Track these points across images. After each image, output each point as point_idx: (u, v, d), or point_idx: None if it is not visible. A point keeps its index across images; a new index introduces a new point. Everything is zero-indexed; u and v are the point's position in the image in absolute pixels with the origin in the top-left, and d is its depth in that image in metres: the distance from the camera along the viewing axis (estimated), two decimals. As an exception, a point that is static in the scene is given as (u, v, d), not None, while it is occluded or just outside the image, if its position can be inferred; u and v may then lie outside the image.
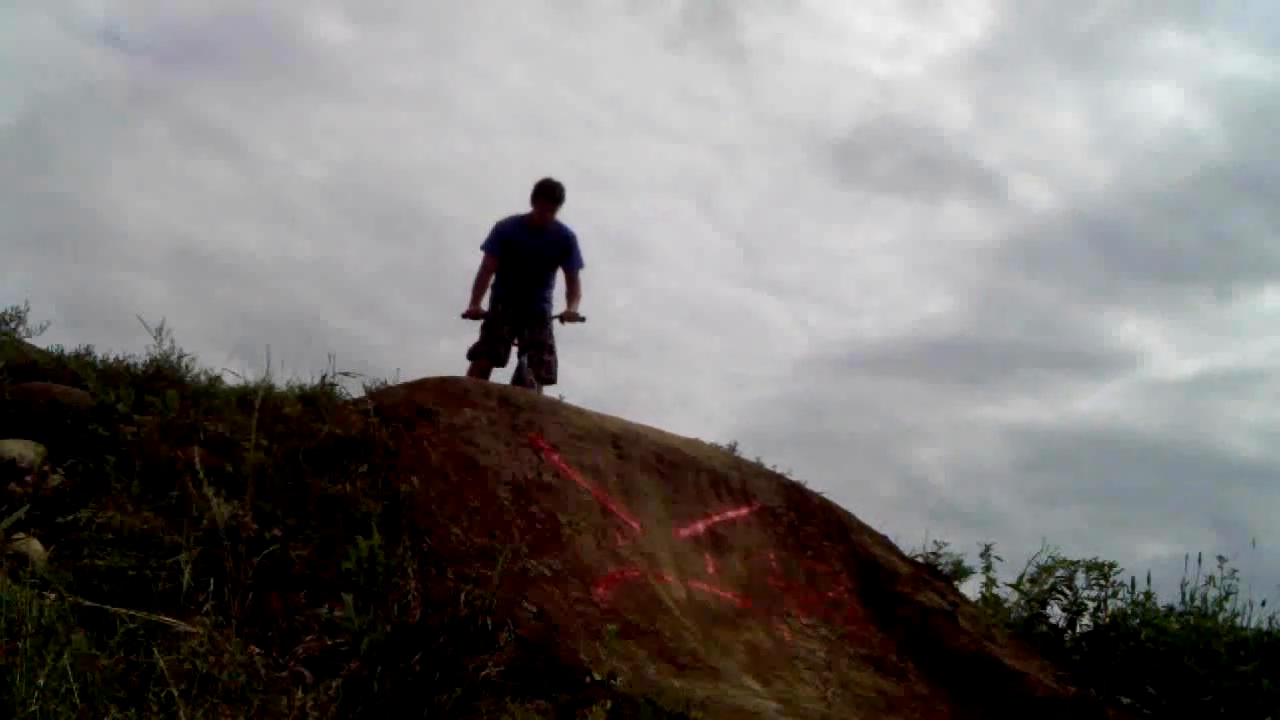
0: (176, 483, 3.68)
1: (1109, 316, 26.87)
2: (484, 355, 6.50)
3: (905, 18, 34.59)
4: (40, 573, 2.90)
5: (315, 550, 3.63)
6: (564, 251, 6.63)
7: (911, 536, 6.41)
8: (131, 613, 2.77)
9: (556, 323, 6.64)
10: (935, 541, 6.28)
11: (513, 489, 4.56)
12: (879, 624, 5.00)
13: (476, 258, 6.66)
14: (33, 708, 2.13)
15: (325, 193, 27.33)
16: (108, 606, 2.80)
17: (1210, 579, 5.44)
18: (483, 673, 2.87)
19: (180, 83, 28.36)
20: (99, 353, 5.36)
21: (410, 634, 2.86)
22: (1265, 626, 5.29)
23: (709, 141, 32.57)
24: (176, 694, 2.33)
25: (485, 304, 6.68)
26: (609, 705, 3.01)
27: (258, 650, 2.79)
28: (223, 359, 7.95)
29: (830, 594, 5.10)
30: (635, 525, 4.83)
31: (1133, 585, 5.50)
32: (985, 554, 5.89)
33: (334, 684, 2.73)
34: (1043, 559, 5.75)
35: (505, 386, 6.02)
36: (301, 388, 5.12)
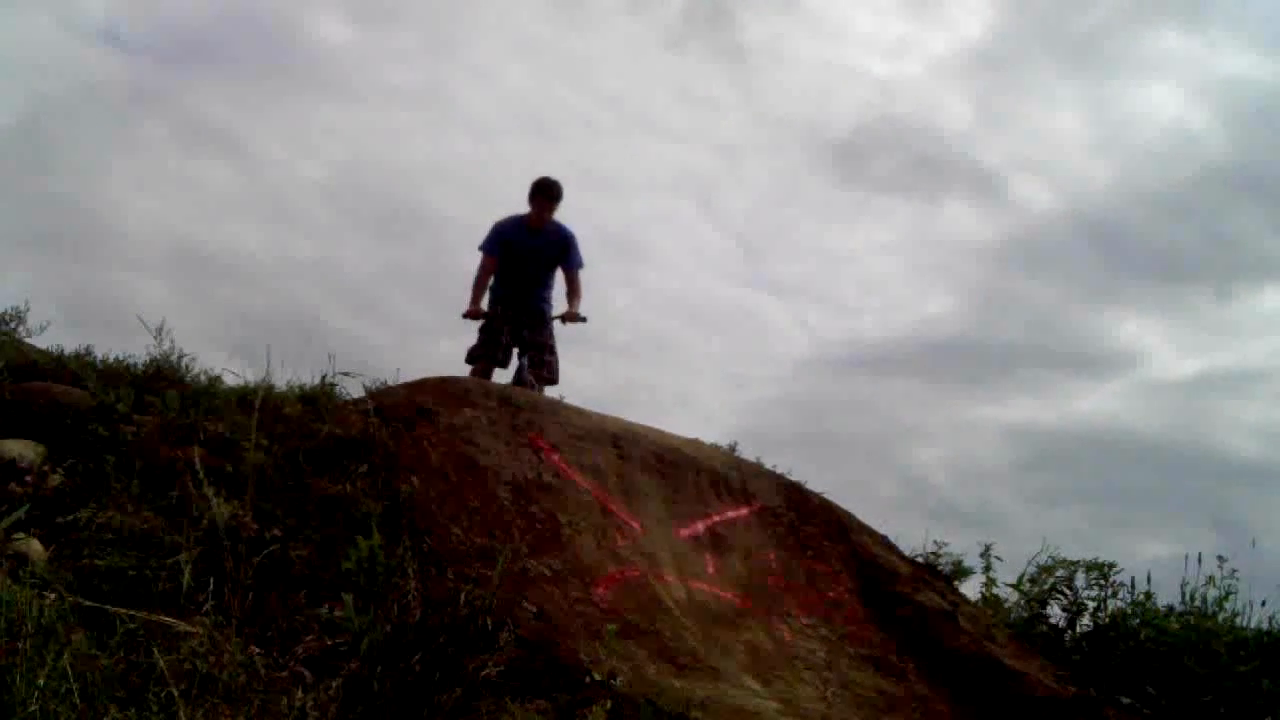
0: (176, 483, 3.68)
1: (1109, 316, 26.89)
2: (483, 358, 6.49)
3: (905, 18, 34.62)
4: (40, 573, 2.90)
5: (315, 550, 3.63)
6: (562, 251, 6.62)
7: (911, 536, 6.41)
8: (131, 613, 2.77)
9: (557, 323, 6.64)
10: (935, 541, 6.28)
11: (513, 489, 4.56)
12: (879, 624, 5.00)
13: (476, 258, 6.66)
14: (33, 708, 2.13)
15: (325, 193, 27.36)
16: (108, 606, 2.80)
17: (1210, 579, 5.45)
18: (483, 673, 2.87)
19: (180, 83, 28.39)
20: (99, 353, 5.38)
21: (410, 634, 2.86)
22: (1265, 626, 5.30)
23: (709, 141, 32.60)
24: (176, 694, 2.33)
25: (485, 304, 6.67)
26: (609, 705, 3.01)
27: (258, 650, 2.79)
28: (223, 359, 7.97)
29: (830, 594, 5.10)
30: (635, 525, 4.83)
31: (1133, 585, 5.50)
32: (985, 554, 5.90)
33: (334, 684, 2.73)
34: (1043, 559, 5.76)
35: (505, 386, 6.02)
36: (301, 388, 5.12)
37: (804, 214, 32.27)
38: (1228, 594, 5.40)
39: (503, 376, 6.51)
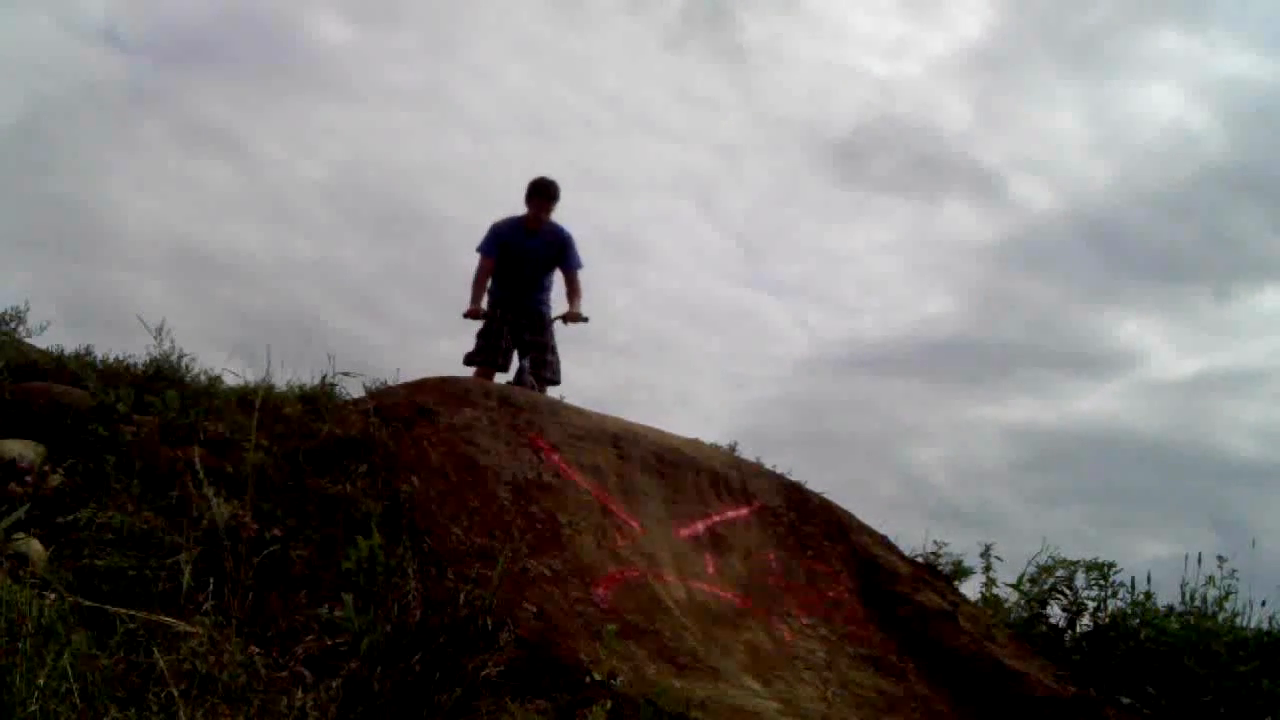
0: (176, 483, 3.68)
1: (1109, 316, 26.91)
2: (482, 361, 6.48)
3: (905, 18, 34.62)
4: (40, 573, 2.90)
5: (315, 550, 3.63)
6: (560, 253, 6.61)
7: (911, 536, 6.42)
8: (131, 613, 2.76)
9: (558, 323, 6.63)
10: (935, 541, 6.28)
11: (513, 489, 4.56)
12: (879, 624, 5.00)
13: (475, 258, 6.64)
14: (33, 708, 2.13)
15: (325, 193, 27.36)
16: (108, 606, 2.79)
17: (1210, 579, 5.44)
18: (483, 673, 2.86)
19: (180, 83, 28.38)
20: (99, 353, 5.37)
21: (410, 634, 2.86)
22: (1265, 626, 5.29)
23: (709, 141, 32.61)
24: (176, 694, 2.33)
25: (485, 304, 6.67)
26: (609, 705, 3.01)
27: (258, 650, 2.79)
28: (223, 359, 7.96)
29: (830, 594, 5.10)
30: (635, 525, 4.83)
31: (1133, 585, 5.50)
32: (985, 554, 5.90)
33: (334, 684, 2.73)
34: (1043, 559, 5.75)
35: (505, 386, 6.02)
36: (301, 388, 5.12)
37: (804, 214, 32.30)
38: (1228, 594, 5.40)
39: (503, 378, 6.51)
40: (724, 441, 6.69)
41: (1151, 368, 27.05)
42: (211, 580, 2.97)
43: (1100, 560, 5.60)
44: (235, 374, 4.76)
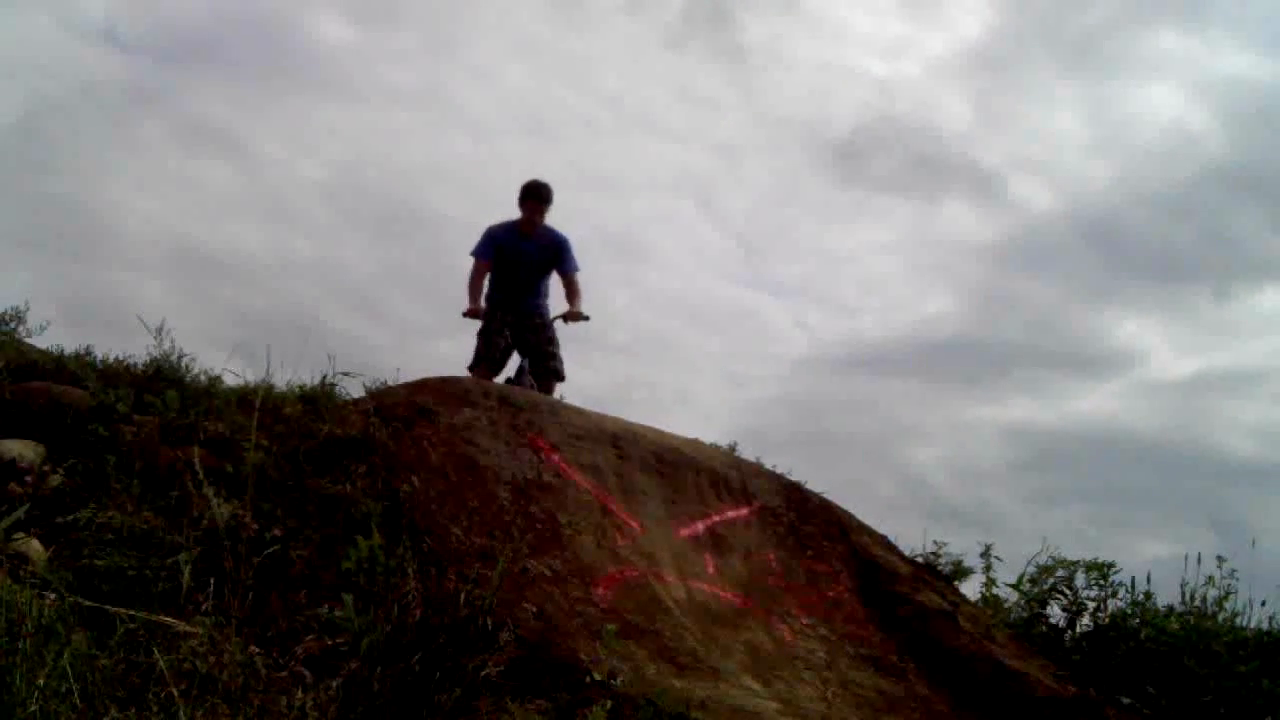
0: (176, 483, 3.68)
1: (1108, 316, 26.93)
2: (483, 362, 6.47)
3: (904, 18, 34.63)
4: (40, 573, 2.90)
5: (315, 550, 3.63)
6: (556, 256, 6.61)
7: (911, 536, 6.42)
8: (131, 613, 2.76)
9: (559, 322, 6.63)
10: (935, 541, 6.28)
11: (513, 489, 4.56)
12: (879, 624, 5.00)
13: (472, 262, 6.64)
14: (33, 708, 2.13)
15: (325, 193, 27.38)
16: (108, 606, 2.79)
17: (1210, 579, 5.44)
18: (483, 673, 2.86)
19: (180, 83, 28.40)
20: (99, 353, 5.37)
21: (410, 634, 2.85)
22: (1265, 626, 5.29)
23: (709, 141, 32.63)
24: (176, 694, 2.32)
25: (483, 304, 6.66)
26: (609, 705, 3.01)
27: (258, 650, 2.79)
28: (223, 359, 7.96)
29: (830, 594, 5.10)
30: (635, 525, 4.83)
31: (1133, 585, 5.50)
32: (985, 554, 5.89)
33: (334, 684, 2.73)
34: (1042, 559, 5.75)
35: (505, 386, 6.02)
36: (301, 388, 5.12)
37: (804, 214, 32.32)
38: (1227, 594, 5.40)
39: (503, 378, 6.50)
40: (724, 441, 6.70)
41: (1151, 368, 27.09)
42: (211, 580, 2.97)
43: (1100, 560, 5.60)
44: (235, 374, 4.76)
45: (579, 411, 5.75)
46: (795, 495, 5.87)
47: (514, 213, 6.63)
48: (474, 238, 6.70)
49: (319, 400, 4.98)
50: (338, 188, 27.30)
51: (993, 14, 33.29)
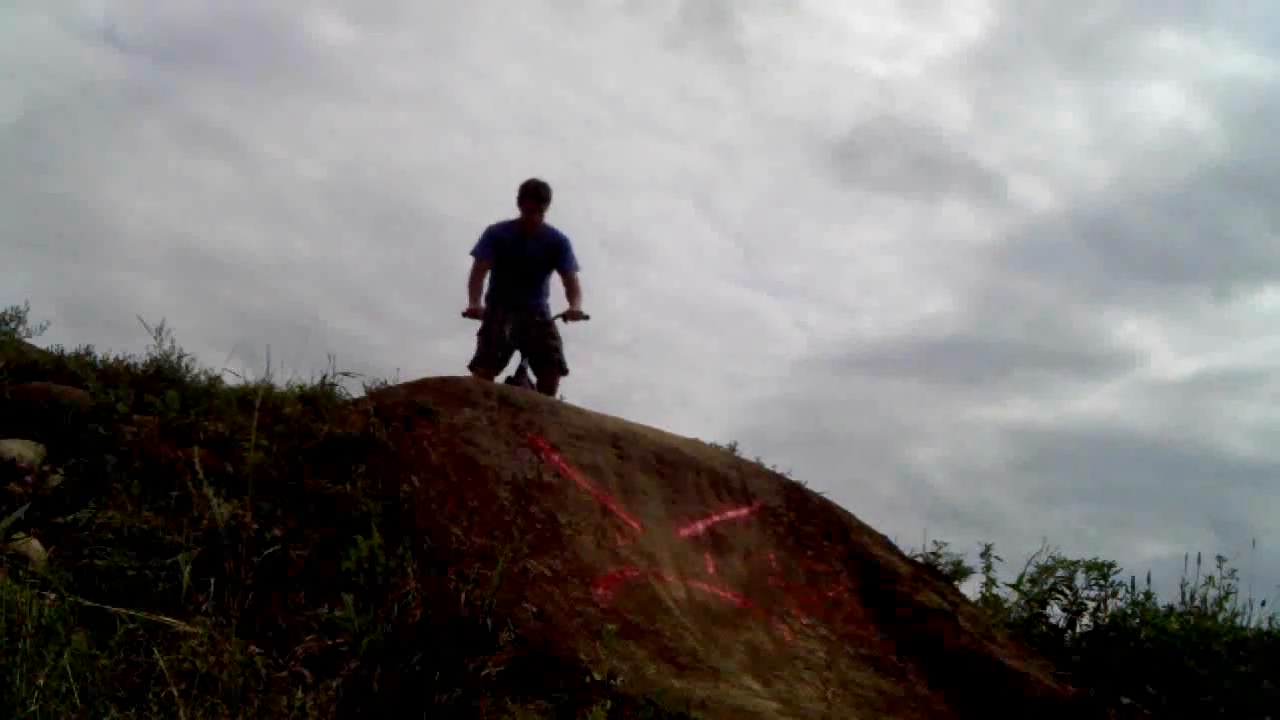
0: (176, 483, 3.68)
1: (1108, 316, 26.96)
2: (484, 362, 6.47)
3: (904, 18, 34.66)
4: (40, 573, 2.90)
5: (315, 550, 3.62)
6: (557, 255, 6.60)
7: (911, 536, 6.43)
8: (131, 613, 2.76)
9: (559, 321, 6.62)
10: (935, 541, 6.29)
11: (513, 489, 4.56)
12: (879, 624, 4.99)
13: (471, 262, 6.64)
14: (33, 708, 2.13)
15: (325, 193, 27.39)
16: (108, 606, 2.79)
17: (1210, 579, 5.45)
18: (483, 673, 2.86)
19: (179, 83, 28.42)
20: (99, 353, 5.38)
21: (410, 634, 2.85)
22: (1265, 626, 5.30)
23: (708, 142, 32.64)
24: (176, 694, 2.32)
25: (483, 303, 6.66)
26: (609, 705, 3.01)
27: (258, 650, 2.79)
28: (223, 359, 7.97)
29: (830, 594, 5.10)
30: (635, 525, 4.83)
31: (1133, 585, 5.51)
32: (985, 554, 5.91)
33: (334, 684, 2.73)
34: (1042, 559, 5.76)
35: (505, 386, 6.02)
36: (301, 388, 5.12)
37: (803, 214, 32.35)
38: (1227, 594, 5.41)
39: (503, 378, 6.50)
40: (724, 441, 6.71)
41: (1151, 368, 27.12)
42: (211, 580, 2.97)
43: (1100, 560, 5.61)
44: (235, 374, 4.77)
45: (579, 411, 5.75)
46: (795, 495, 5.86)
47: (513, 212, 6.62)
48: (474, 238, 6.70)
49: (319, 400, 4.98)
50: (337, 188, 27.34)
51: (993, 14, 33.34)
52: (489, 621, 3.01)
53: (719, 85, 33.58)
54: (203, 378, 5.10)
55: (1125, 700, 4.71)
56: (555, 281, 6.72)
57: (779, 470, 6.30)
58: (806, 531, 5.54)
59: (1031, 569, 5.76)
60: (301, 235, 26.45)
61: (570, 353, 6.70)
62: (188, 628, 2.73)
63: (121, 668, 2.47)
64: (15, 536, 3.13)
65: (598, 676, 3.36)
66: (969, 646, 4.83)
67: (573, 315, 6.56)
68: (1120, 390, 26.74)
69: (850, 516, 5.91)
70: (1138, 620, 5.26)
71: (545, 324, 6.60)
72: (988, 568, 5.86)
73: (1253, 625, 5.31)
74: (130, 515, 3.42)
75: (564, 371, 6.56)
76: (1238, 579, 5.42)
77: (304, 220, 26.77)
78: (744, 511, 5.46)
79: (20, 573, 2.70)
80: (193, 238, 22.60)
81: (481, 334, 6.54)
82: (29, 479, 3.65)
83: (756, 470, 6.06)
